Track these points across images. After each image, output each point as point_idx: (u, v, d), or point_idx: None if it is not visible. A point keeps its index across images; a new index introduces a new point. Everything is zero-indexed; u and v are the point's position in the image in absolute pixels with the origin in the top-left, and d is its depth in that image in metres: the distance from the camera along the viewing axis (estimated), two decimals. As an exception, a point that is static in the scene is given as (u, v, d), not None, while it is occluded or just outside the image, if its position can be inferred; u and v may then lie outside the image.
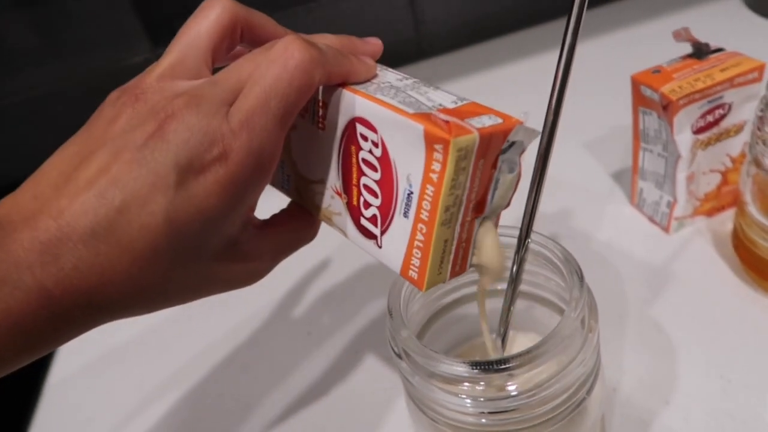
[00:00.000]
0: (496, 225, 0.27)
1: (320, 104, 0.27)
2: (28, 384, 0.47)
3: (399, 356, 0.28)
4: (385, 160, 0.24)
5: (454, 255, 0.25)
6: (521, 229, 0.28)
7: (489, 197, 0.25)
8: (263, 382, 0.43)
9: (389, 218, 0.25)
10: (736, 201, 0.44)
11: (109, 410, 0.43)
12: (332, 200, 0.28)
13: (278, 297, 0.49)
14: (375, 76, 0.27)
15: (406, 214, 0.24)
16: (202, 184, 0.22)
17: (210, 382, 0.44)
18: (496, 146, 0.24)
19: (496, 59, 0.74)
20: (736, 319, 0.39)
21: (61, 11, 0.64)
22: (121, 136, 0.23)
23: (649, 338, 0.39)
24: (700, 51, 0.42)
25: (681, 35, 0.41)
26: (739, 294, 0.41)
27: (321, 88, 0.27)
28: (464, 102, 0.25)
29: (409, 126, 0.23)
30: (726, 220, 0.46)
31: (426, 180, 0.23)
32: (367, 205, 0.26)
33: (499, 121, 0.24)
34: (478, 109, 0.24)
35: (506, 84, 0.69)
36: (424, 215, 0.24)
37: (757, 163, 0.37)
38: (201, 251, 0.24)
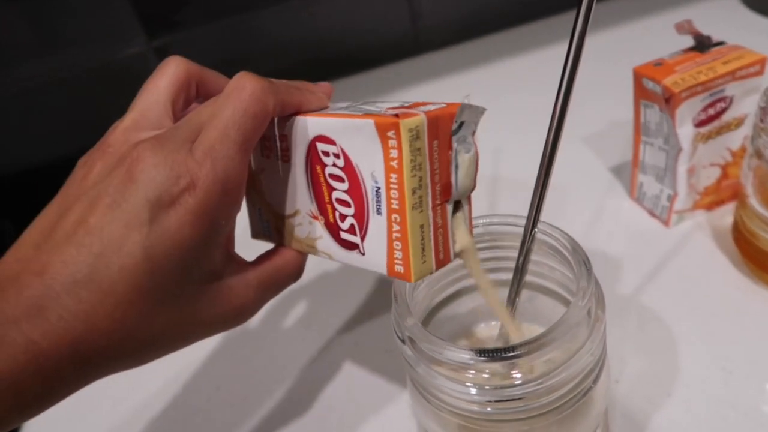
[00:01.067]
0: (469, 209, 0.28)
1: (281, 138, 0.28)
2: None
3: (403, 341, 0.28)
4: (348, 167, 0.26)
5: (434, 242, 0.26)
6: (528, 219, 0.28)
7: (453, 180, 0.26)
8: (262, 375, 0.42)
9: (365, 222, 0.26)
10: (737, 194, 0.44)
11: (104, 404, 0.43)
12: (311, 226, 0.29)
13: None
14: (326, 106, 0.29)
15: (378, 211, 0.25)
16: (174, 216, 0.23)
17: (208, 375, 0.43)
18: (445, 127, 0.25)
19: (494, 54, 0.74)
20: (736, 311, 0.39)
21: (56, 3, 0.63)
22: (94, 188, 0.24)
23: (649, 331, 0.39)
24: (702, 44, 0.42)
25: (683, 27, 0.41)
26: (740, 286, 0.41)
27: (277, 122, 0.28)
28: (410, 103, 0.26)
29: (362, 124, 0.24)
30: (725, 214, 0.46)
31: (388, 169, 0.24)
32: (343, 217, 0.27)
33: (442, 105, 0.25)
34: (422, 104, 0.26)
35: (504, 79, 0.69)
36: (395, 204, 0.25)
37: (759, 155, 0.37)
38: (183, 287, 0.24)
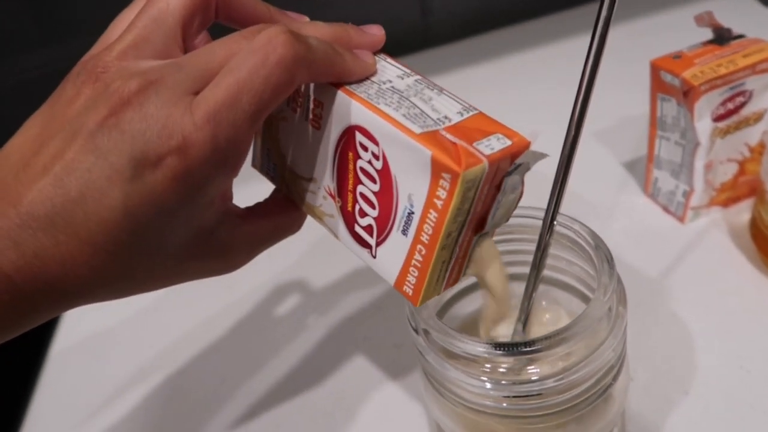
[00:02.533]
0: (492, 235, 0.26)
1: (314, 102, 0.25)
2: (30, 355, 0.46)
3: (417, 332, 0.27)
4: (385, 173, 0.24)
5: (450, 272, 0.25)
6: (547, 212, 0.27)
7: (490, 217, 0.25)
8: (269, 369, 0.42)
9: (386, 232, 0.25)
10: (754, 191, 0.43)
11: (108, 385, 0.42)
12: (324, 201, 0.27)
13: (283, 282, 0.48)
14: (374, 73, 0.26)
15: (404, 232, 0.24)
16: (158, 177, 0.21)
17: (213, 367, 0.43)
18: (503, 170, 0.23)
19: (504, 49, 0.73)
20: (754, 309, 0.39)
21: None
22: (77, 119, 0.22)
23: (665, 328, 0.39)
24: (722, 37, 0.41)
25: (704, 19, 0.40)
26: (757, 284, 0.40)
27: (313, 86, 0.25)
28: (471, 113, 0.24)
29: (416, 149, 0.22)
30: (742, 211, 0.45)
31: (429, 204, 0.22)
32: (363, 214, 0.25)
33: (508, 143, 0.23)
34: (485, 126, 0.23)
35: (514, 75, 0.68)
36: (425, 238, 0.23)
37: (781, 150, 0.36)
38: (166, 244, 0.23)
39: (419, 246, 0.23)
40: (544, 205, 0.27)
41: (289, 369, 0.42)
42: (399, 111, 0.23)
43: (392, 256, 0.25)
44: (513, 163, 0.23)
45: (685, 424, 0.33)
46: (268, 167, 0.30)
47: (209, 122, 0.21)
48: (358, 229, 0.26)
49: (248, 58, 0.21)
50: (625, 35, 0.69)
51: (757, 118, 0.42)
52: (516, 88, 0.65)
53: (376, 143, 0.23)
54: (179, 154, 0.21)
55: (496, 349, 0.25)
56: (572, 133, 0.25)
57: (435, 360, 0.26)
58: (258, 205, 0.28)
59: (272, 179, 0.30)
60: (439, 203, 0.22)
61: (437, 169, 0.22)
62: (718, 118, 0.41)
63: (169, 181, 0.21)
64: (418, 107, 0.24)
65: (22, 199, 0.21)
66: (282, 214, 0.28)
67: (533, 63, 0.70)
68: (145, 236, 0.22)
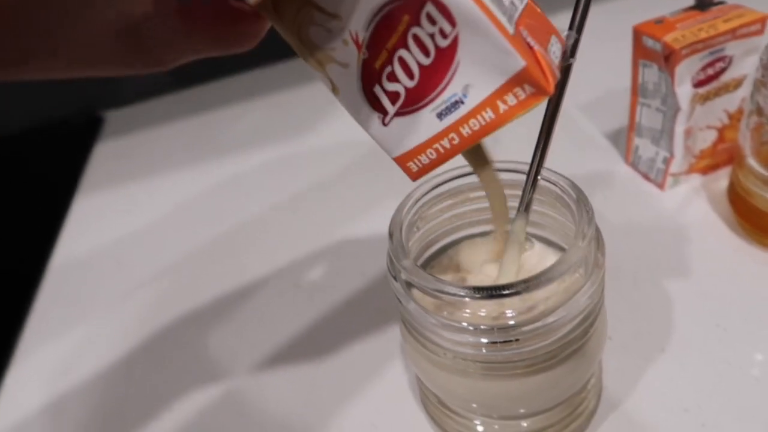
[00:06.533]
0: None
1: None
2: (31, 267, 0.47)
3: (396, 279, 0.27)
4: (447, 54, 0.21)
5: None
6: (531, 165, 0.27)
7: None
8: (251, 333, 0.42)
9: (416, 107, 0.23)
10: (732, 159, 0.43)
11: (104, 300, 0.42)
12: (344, 46, 0.23)
13: (266, 249, 0.48)
14: None
15: (440, 116, 0.22)
16: None
17: (194, 332, 0.43)
18: None
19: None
20: (730, 271, 0.39)
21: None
22: None
23: (645, 291, 0.39)
24: (703, 3, 0.42)
25: (685, -16, 0.40)
26: (734, 246, 0.41)
27: None
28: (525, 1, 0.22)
29: (509, 53, 0.20)
30: (720, 178, 0.45)
31: (489, 104, 0.21)
32: (394, 78, 0.22)
33: (561, 48, 0.22)
34: (540, 20, 0.22)
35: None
36: (466, 131, 0.22)
37: (759, 111, 0.37)
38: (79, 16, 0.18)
39: (453, 135, 0.22)
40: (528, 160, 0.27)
41: (272, 333, 0.42)
42: None
43: (410, 132, 0.23)
44: None
45: (661, 379, 0.34)
46: None
47: None
48: (377, 90, 0.23)
49: None
50: (610, 8, 0.69)
51: (737, 84, 0.42)
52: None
53: (452, 24, 0.20)
54: None
55: (474, 293, 0.25)
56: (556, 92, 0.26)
57: (414, 307, 0.27)
58: (198, 2, 0.21)
59: None
60: (502, 107, 0.21)
61: (522, 79, 0.20)
62: (698, 84, 0.41)
63: None
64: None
65: None
66: (233, 25, 0.22)
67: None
68: None
